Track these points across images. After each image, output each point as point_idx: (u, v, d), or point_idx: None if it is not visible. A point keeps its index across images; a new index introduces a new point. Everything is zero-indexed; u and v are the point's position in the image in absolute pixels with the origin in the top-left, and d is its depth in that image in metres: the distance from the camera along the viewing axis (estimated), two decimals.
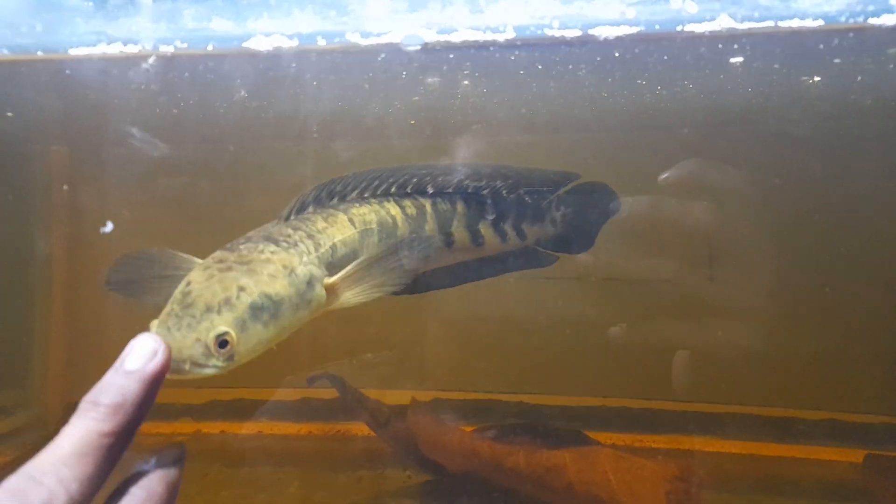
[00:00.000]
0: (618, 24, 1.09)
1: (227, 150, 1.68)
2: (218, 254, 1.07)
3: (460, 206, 1.32)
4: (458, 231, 1.32)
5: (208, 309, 0.95)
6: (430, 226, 1.28)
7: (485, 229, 1.35)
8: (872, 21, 1.03)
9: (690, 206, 1.72)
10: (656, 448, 2.19)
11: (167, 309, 0.97)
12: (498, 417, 2.32)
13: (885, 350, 2.05)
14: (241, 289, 0.99)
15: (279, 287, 1.03)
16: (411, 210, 1.27)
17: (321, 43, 1.13)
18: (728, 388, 2.09)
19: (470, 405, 2.33)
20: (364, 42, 1.13)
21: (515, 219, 1.39)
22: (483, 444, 1.88)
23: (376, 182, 1.25)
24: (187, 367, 0.90)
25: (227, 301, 0.97)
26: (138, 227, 1.85)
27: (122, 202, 1.83)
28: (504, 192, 1.36)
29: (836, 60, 1.20)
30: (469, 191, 1.32)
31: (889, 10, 1.02)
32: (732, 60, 1.22)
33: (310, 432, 2.24)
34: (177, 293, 0.99)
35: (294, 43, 1.14)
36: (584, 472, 1.75)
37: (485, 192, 1.34)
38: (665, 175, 1.63)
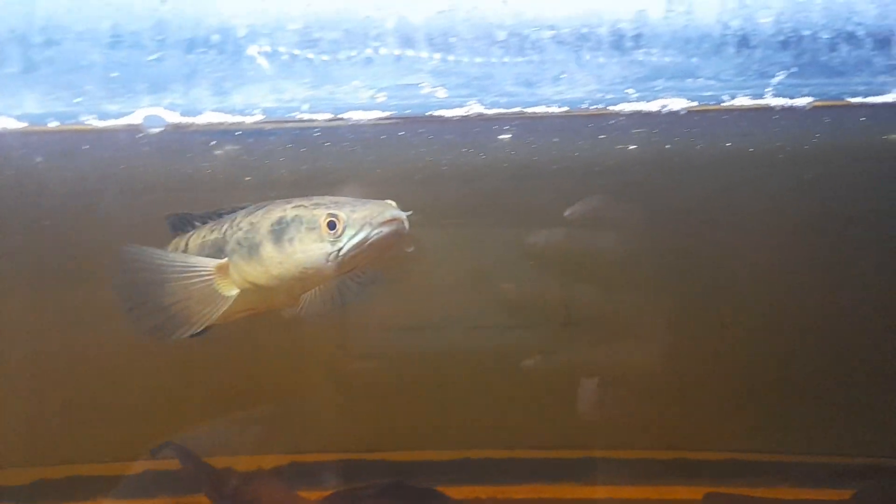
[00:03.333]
0: (369, 108, 1.07)
1: None
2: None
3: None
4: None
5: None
6: None
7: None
8: (611, 108, 1.06)
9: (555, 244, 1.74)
10: (517, 499, 2.17)
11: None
12: (361, 478, 2.24)
13: (724, 388, 2.13)
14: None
15: None
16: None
17: (53, 124, 1.05)
18: (586, 432, 2.11)
19: (332, 466, 2.24)
20: (102, 124, 1.06)
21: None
22: None
23: None
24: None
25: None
26: None
27: None
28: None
29: (581, 142, 1.24)
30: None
31: (626, 99, 1.05)
32: (501, 137, 1.24)
33: None
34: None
35: (23, 125, 1.05)
36: None
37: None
38: (569, 211, 1.65)
